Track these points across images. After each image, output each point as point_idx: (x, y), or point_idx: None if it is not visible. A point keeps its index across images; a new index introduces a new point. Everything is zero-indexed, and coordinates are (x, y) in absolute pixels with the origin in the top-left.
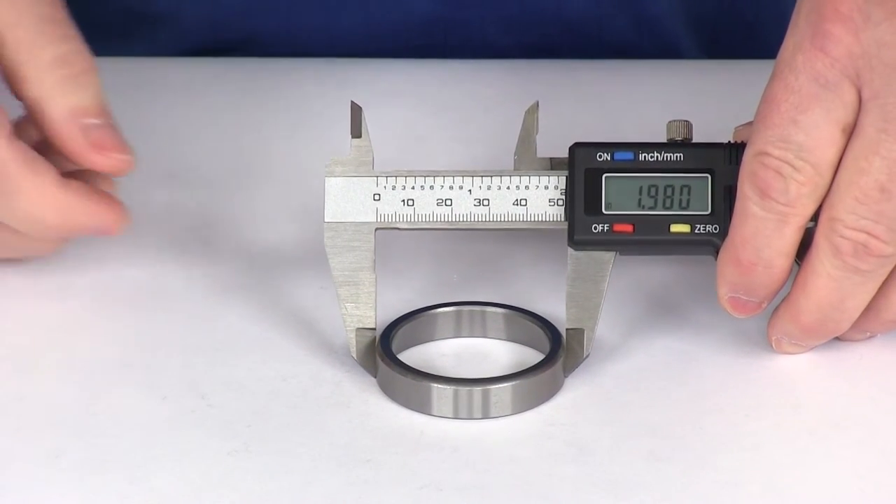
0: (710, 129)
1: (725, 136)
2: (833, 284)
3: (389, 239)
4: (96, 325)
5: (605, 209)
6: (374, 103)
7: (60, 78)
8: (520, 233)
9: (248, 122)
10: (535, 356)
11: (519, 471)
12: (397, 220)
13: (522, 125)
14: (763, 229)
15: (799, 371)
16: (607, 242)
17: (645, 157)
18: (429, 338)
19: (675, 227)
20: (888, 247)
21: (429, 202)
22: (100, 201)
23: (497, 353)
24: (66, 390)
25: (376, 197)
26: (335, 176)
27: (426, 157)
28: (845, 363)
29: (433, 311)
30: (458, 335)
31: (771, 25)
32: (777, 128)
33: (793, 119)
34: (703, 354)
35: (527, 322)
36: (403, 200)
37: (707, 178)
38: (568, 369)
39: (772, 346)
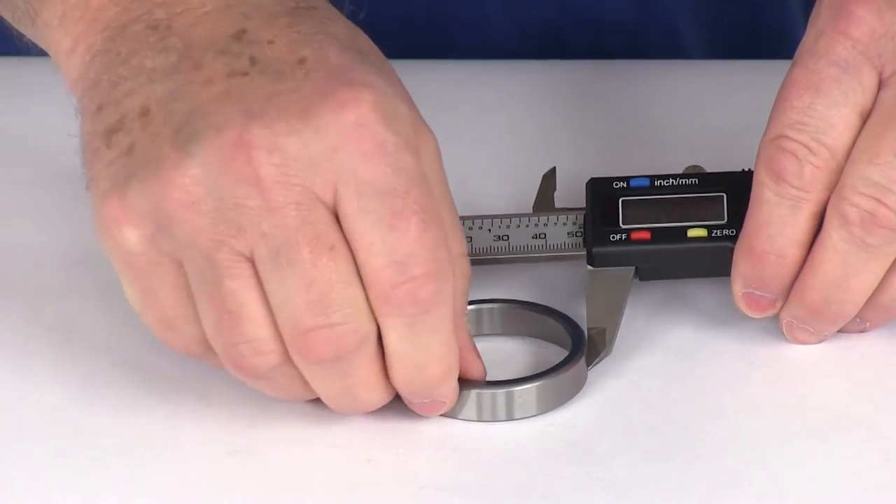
0: (716, 129)
1: (731, 138)
2: (838, 259)
3: None
4: (96, 325)
5: (623, 223)
6: None
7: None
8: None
9: None
10: (555, 352)
11: (519, 471)
12: None
13: (539, 189)
14: (776, 216)
15: (799, 371)
16: (625, 254)
17: (661, 183)
18: None
19: (692, 233)
20: None
21: None
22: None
23: (518, 352)
24: (66, 390)
25: None
26: None
27: None
28: (846, 363)
29: None
30: (478, 333)
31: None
32: (795, 111)
33: (811, 103)
34: (703, 354)
35: (547, 319)
36: None
37: (723, 196)
38: (589, 364)
39: (783, 332)
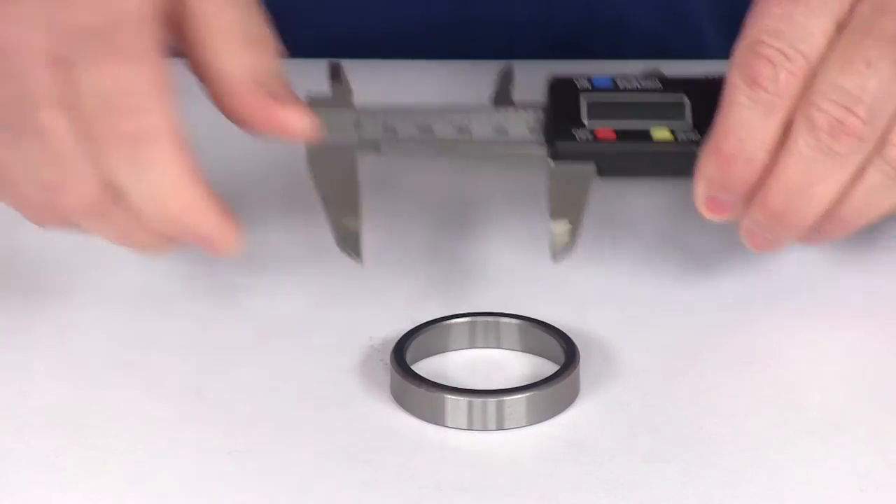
0: None
1: None
2: (803, 165)
3: (401, 244)
4: (96, 325)
5: (586, 118)
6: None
7: (240, 40)
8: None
9: None
10: (549, 367)
11: (519, 471)
12: (378, 143)
13: (498, 84)
14: (748, 119)
15: (799, 371)
16: (589, 152)
17: (624, 84)
18: (443, 349)
19: (658, 134)
20: (866, 128)
21: (410, 129)
22: (223, 212)
23: (511, 364)
24: (66, 390)
25: (357, 124)
26: (315, 107)
27: None
28: (846, 363)
29: (447, 321)
30: (472, 346)
31: None
32: (773, 18)
33: (790, 10)
34: (704, 353)
35: (541, 333)
36: (385, 128)
37: (683, 96)
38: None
39: (741, 237)
